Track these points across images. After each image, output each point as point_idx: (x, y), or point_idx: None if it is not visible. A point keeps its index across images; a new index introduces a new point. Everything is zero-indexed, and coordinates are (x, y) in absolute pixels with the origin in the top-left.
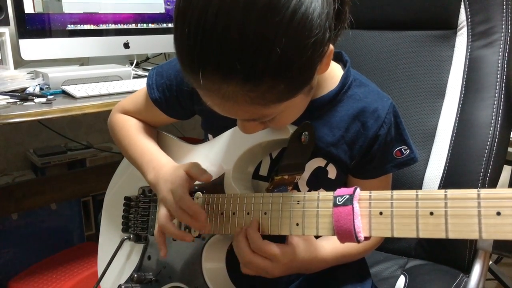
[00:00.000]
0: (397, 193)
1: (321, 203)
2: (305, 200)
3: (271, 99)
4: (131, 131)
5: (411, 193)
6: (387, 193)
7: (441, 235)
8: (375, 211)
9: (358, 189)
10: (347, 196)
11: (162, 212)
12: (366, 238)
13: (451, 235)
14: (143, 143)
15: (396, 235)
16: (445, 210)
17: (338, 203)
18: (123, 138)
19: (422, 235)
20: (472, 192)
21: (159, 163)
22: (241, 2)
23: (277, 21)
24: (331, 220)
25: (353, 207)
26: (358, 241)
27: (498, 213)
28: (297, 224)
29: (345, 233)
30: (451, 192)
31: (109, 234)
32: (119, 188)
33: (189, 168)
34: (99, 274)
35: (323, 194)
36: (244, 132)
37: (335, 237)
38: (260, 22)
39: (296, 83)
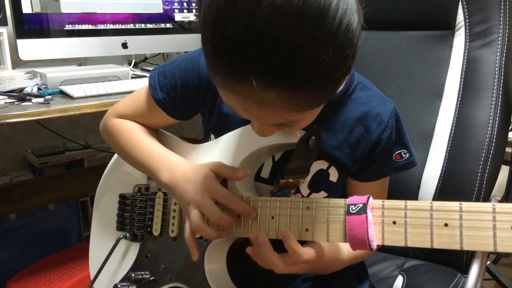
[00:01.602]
0: (411, 203)
1: (331, 210)
2: (314, 206)
3: (307, 106)
4: (134, 135)
5: (425, 204)
6: (401, 203)
7: (456, 246)
8: (388, 220)
9: (371, 198)
10: (361, 205)
11: (195, 214)
12: (379, 247)
13: (466, 247)
14: (149, 145)
15: (410, 244)
16: (460, 222)
17: (352, 211)
18: (126, 142)
19: (437, 245)
20: (487, 206)
21: (172, 162)
22: (293, 9)
23: (326, 30)
24: (342, 227)
25: (367, 216)
26: (371, 249)
27: None
28: (307, 230)
29: (359, 242)
30: (466, 205)
31: (102, 232)
32: (112, 185)
33: (216, 168)
34: (91, 273)
35: (333, 200)
36: (260, 135)
37: None
38: (311, 30)
39: (331, 91)
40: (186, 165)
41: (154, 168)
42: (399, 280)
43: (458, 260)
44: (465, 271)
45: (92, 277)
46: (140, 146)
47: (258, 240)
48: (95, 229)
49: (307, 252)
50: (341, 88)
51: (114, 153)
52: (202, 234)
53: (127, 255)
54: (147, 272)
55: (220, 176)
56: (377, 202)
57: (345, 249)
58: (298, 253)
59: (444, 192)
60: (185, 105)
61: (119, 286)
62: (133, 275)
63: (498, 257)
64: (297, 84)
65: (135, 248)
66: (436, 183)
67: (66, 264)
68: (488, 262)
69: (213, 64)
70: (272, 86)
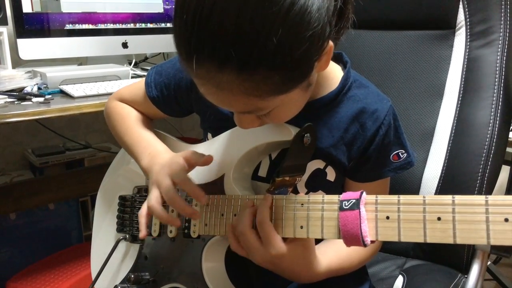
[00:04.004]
0: (404, 197)
1: (326, 206)
2: (309, 202)
3: (266, 91)
4: (128, 119)
5: (418, 198)
6: (394, 198)
7: (449, 240)
8: (382, 215)
9: (364, 193)
10: (354, 201)
11: (154, 194)
12: (372, 242)
13: (459, 241)
14: (139, 131)
15: (403, 239)
16: (452, 216)
17: (345, 207)
18: (120, 125)
19: (430, 240)
20: (480, 199)
21: (155, 149)
22: None
23: (274, 11)
24: (336, 223)
25: (360, 212)
26: (365, 245)
27: (506, 220)
28: (301, 227)
29: (352, 238)
30: (459, 198)
31: (103, 234)
32: (112, 186)
33: (186, 154)
34: (93, 274)
35: (327, 197)
36: (240, 126)
37: (332, 249)
38: (257, 10)
39: (292, 76)
40: (166, 153)
41: (138, 152)
42: (399, 280)
43: (459, 260)
44: (466, 271)
45: (93, 278)
46: (131, 131)
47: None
48: (96, 230)
49: (277, 235)
50: (334, 86)
51: (114, 153)
52: (153, 214)
53: (127, 256)
54: (146, 273)
55: (190, 162)
56: (371, 198)
57: (324, 263)
58: (266, 227)
59: (444, 192)
60: (178, 104)
61: (119, 287)
62: (132, 276)
63: (498, 257)
64: (246, 65)
65: (135, 249)
66: (437, 183)
67: (66, 264)
68: (489, 262)
69: (177, 49)
70: (222, 68)
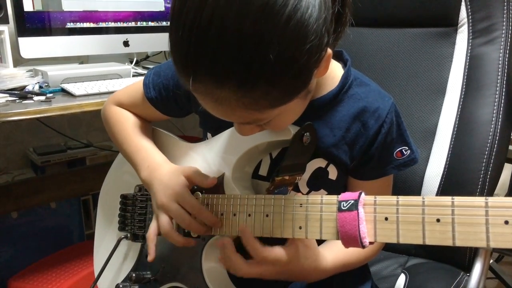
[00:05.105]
0: (403, 198)
1: (324, 207)
2: (308, 203)
3: (265, 105)
4: (127, 126)
5: (417, 199)
6: (393, 199)
7: (448, 242)
8: (380, 217)
9: (363, 194)
10: (352, 201)
11: (164, 220)
12: (371, 243)
13: (458, 243)
14: (138, 139)
15: (402, 241)
16: (452, 218)
17: (343, 208)
18: (119, 132)
19: (429, 242)
20: (480, 200)
21: (154, 161)
22: (235, 7)
23: (271, 27)
24: (335, 224)
25: (358, 213)
26: (363, 247)
27: (506, 222)
28: (300, 228)
29: (350, 239)
30: (458, 200)
31: (105, 232)
32: (114, 185)
33: (189, 174)
34: (95, 273)
35: (326, 197)
36: (241, 134)
37: (336, 244)
38: (254, 27)
39: (290, 89)
40: (165, 166)
41: (137, 163)
42: (402, 279)
43: (461, 259)
44: (468, 269)
45: (95, 276)
46: (130, 139)
47: (222, 241)
48: (98, 228)
49: (274, 251)
50: (334, 85)
51: (116, 152)
52: (170, 240)
53: (129, 255)
54: (148, 272)
55: (192, 182)
56: (369, 198)
57: (329, 258)
58: (256, 248)
59: (446, 190)
60: (177, 104)
61: (121, 286)
62: (134, 275)
63: (501, 255)
64: (244, 82)
65: (136, 248)
66: (439, 181)
67: (68, 262)
68: (491, 261)
69: (174, 63)
70: (221, 84)
